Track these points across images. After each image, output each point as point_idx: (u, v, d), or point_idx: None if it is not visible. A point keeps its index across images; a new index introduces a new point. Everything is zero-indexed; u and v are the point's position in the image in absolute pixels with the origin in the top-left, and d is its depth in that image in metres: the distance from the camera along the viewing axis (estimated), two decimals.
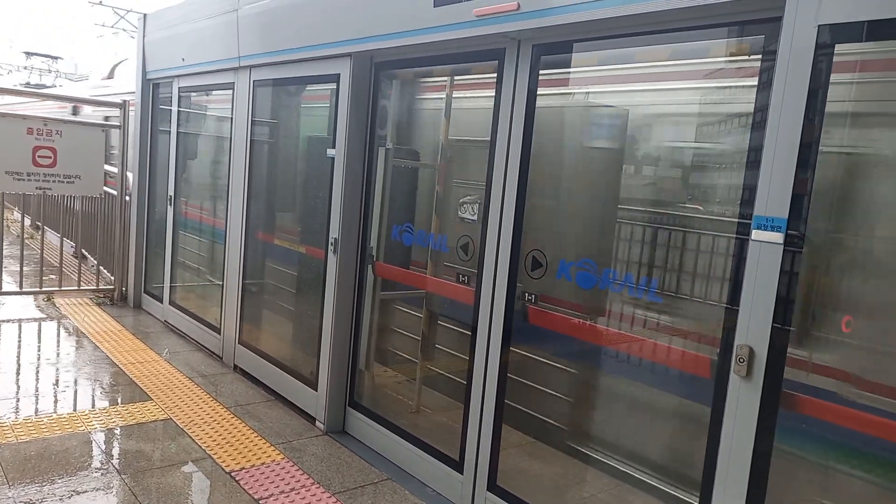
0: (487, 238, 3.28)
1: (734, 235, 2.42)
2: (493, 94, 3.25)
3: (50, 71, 32.20)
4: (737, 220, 2.41)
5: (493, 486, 3.28)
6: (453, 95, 3.99)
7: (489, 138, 3.26)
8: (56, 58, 32.80)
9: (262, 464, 3.77)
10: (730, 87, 2.78)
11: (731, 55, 2.62)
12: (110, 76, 16.61)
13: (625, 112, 3.23)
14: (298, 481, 3.60)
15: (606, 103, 3.33)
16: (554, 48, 3.00)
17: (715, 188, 2.91)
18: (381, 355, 4.59)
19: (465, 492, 3.41)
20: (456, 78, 3.96)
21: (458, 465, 3.46)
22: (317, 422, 4.38)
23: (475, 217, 3.49)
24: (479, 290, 3.34)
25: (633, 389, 3.10)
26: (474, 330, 3.37)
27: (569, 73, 3.17)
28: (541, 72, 3.06)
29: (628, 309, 2.95)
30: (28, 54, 32.76)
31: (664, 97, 3.13)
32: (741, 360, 2.24)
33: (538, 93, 3.05)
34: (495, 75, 3.24)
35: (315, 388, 4.41)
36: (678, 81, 3.02)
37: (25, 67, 33.58)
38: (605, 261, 3.05)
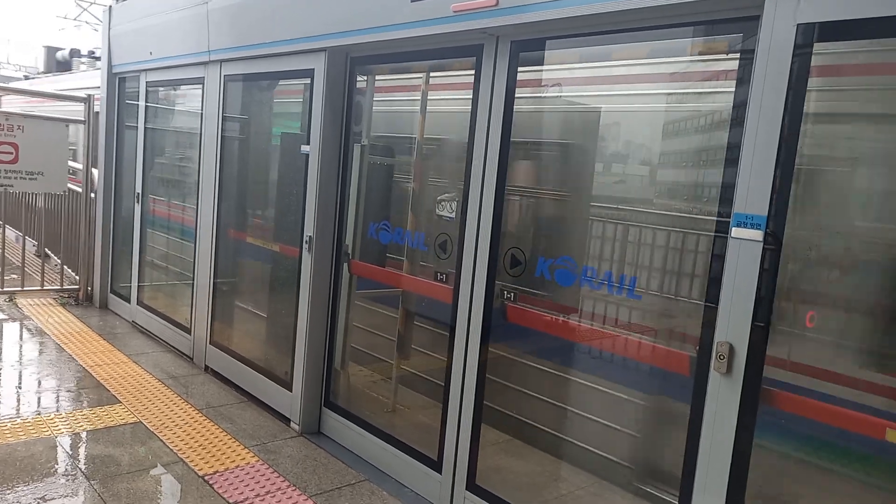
0: (466, 236, 3.25)
1: (713, 233, 2.44)
2: (471, 91, 3.22)
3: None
4: (716, 217, 2.43)
5: (472, 486, 3.26)
6: (429, 93, 3.95)
7: (467, 135, 3.23)
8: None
9: (237, 466, 3.70)
10: (706, 84, 2.79)
11: (709, 54, 2.63)
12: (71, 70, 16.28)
13: (600, 110, 3.24)
14: (274, 484, 3.54)
15: (582, 101, 3.32)
16: (532, 45, 2.98)
17: (694, 186, 2.93)
18: (356, 355, 4.53)
19: (444, 492, 3.38)
20: (433, 74, 3.92)
21: (436, 465, 3.44)
22: (291, 423, 4.31)
23: (453, 215, 3.47)
24: (457, 288, 3.32)
25: (613, 387, 3.10)
26: (452, 328, 3.34)
27: (548, 69, 3.15)
28: (519, 69, 3.04)
29: (607, 307, 2.95)
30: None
31: (642, 95, 3.14)
32: (721, 357, 2.25)
33: (516, 90, 3.04)
34: (473, 72, 3.22)
35: (290, 388, 4.34)
36: (656, 80, 3.03)
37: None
38: (583, 258, 3.05)
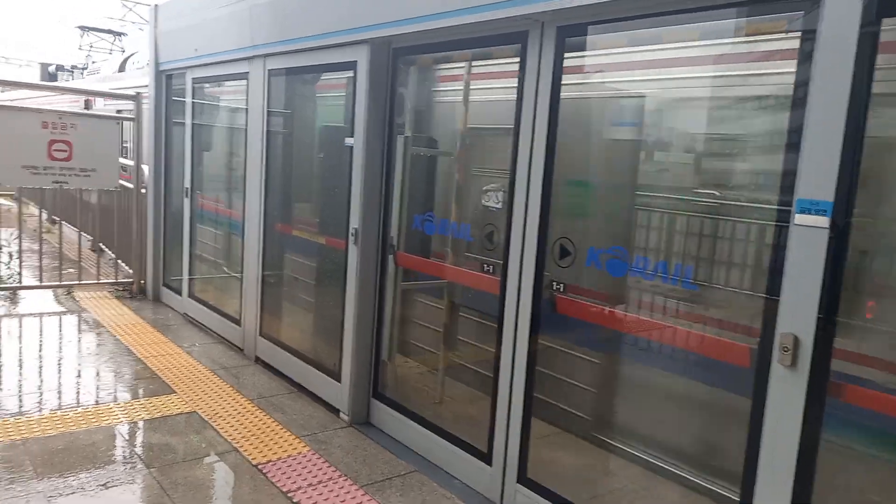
0: (513, 226, 3.22)
1: (774, 222, 2.34)
2: (515, 79, 3.17)
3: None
4: (776, 205, 2.33)
5: (522, 478, 3.24)
6: (473, 82, 3.91)
7: (512, 125, 3.19)
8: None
9: (289, 456, 3.76)
10: (764, 65, 2.68)
11: (767, 33, 2.53)
12: (121, 69, 16.74)
13: (649, 96, 3.15)
14: (325, 474, 3.59)
15: (633, 87, 3.23)
16: (579, 30, 2.91)
17: (752, 173, 2.83)
18: (403, 346, 4.55)
19: (494, 484, 3.37)
20: (475, 63, 3.88)
21: (486, 457, 3.43)
22: (341, 413, 4.36)
23: (500, 205, 3.43)
24: (504, 279, 3.29)
25: (666, 380, 3.04)
26: (500, 320, 3.31)
27: (595, 54, 3.07)
28: (565, 55, 2.97)
29: (661, 298, 2.89)
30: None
31: (693, 79, 3.04)
32: (785, 350, 2.17)
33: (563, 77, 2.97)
34: (517, 59, 3.17)
35: (338, 379, 4.39)
36: (708, 62, 2.93)
37: (29, 63, 31.50)
38: (636, 248, 2.98)
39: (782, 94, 2.35)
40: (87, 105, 12.47)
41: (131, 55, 17.27)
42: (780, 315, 2.20)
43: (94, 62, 25.40)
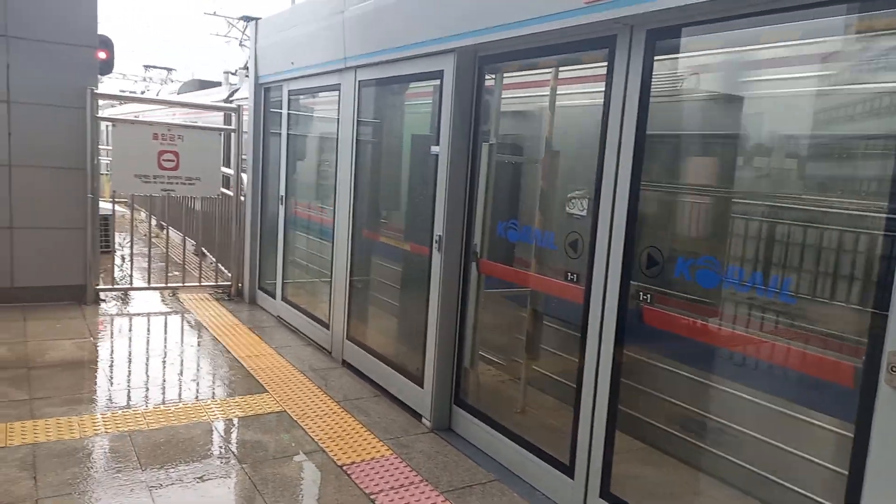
0: (598, 235, 3.15)
1: (882, 231, 2.17)
2: (602, 84, 3.11)
3: (164, 82, 35.38)
4: (885, 214, 2.17)
5: (605, 493, 3.15)
6: (558, 88, 3.87)
7: (599, 130, 3.13)
8: (171, 69, 36.35)
9: (372, 458, 3.83)
10: (873, 64, 2.50)
11: (880, 30, 2.35)
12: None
13: (745, 98, 3.00)
14: (407, 478, 3.63)
15: (724, 89, 3.10)
16: (670, 32, 2.82)
17: (855, 179, 2.64)
18: (485, 353, 4.54)
19: (576, 497, 3.30)
20: (562, 69, 3.83)
21: (568, 470, 3.36)
22: (423, 418, 4.41)
23: (584, 212, 3.37)
24: (589, 288, 3.22)
25: (759, 397, 2.87)
26: (584, 330, 3.25)
27: (688, 57, 2.97)
28: (655, 58, 2.89)
29: (755, 311, 2.74)
30: (146, 67, 36.85)
31: (794, 80, 2.87)
32: (894, 369, 2.00)
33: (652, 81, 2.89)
34: (604, 64, 3.11)
35: (421, 384, 4.44)
36: (810, 62, 2.76)
37: (144, 79, 37.22)
38: (728, 258, 2.84)
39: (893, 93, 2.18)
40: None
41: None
42: (889, 332, 2.03)
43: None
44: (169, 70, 37.00)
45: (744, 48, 2.85)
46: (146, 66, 37.44)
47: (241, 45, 30.60)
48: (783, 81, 2.85)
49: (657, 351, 3.25)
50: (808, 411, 2.75)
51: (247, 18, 27.82)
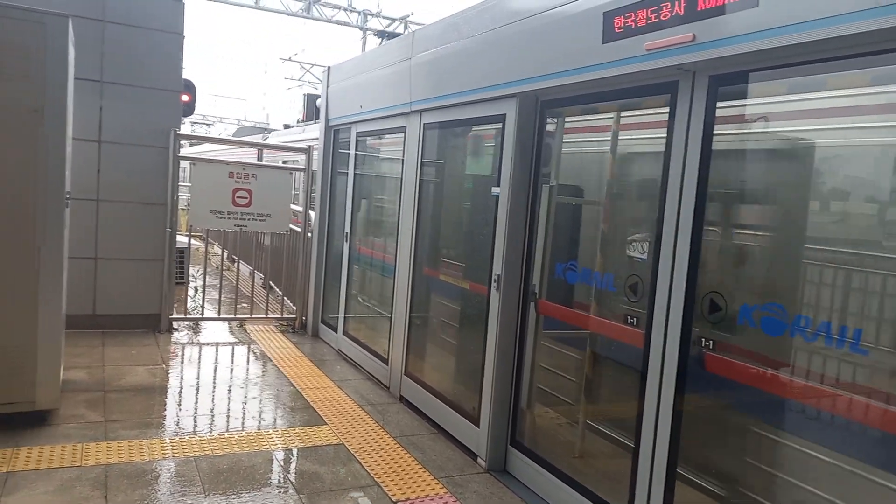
0: (659, 278, 3.12)
1: None
2: (664, 129, 3.12)
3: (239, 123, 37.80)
4: None
5: None
6: (620, 132, 3.89)
7: (660, 175, 3.13)
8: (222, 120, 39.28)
9: (426, 496, 3.84)
10: None
11: None
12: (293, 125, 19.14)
13: (814, 144, 2.95)
14: None
15: (792, 135, 3.05)
16: (733, 78, 2.82)
17: None
18: (542, 395, 4.51)
19: None
20: (623, 113, 3.86)
21: None
22: (478, 458, 4.39)
23: (645, 255, 3.35)
24: (648, 332, 3.18)
25: (829, 454, 2.74)
26: (644, 375, 3.20)
27: (752, 103, 2.96)
28: (717, 104, 2.89)
29: (823, 361, 2.64)
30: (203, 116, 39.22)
31: (865, 128, 2.81)
32: None
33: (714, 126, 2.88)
34: (665, 109, 3.13)
35: (477, 423, 4.43)
36: (882, 110, 2.70)
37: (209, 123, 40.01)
38: (796, 305, 2.77)
39: None
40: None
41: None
42: None
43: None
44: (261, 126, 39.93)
45: (812, 95, 2.81)
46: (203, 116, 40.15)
47: (314, 88, 32.40)
48: (852, 129, 2.80)
49: (720, 399, 3.16)
50: (879, 471, 2.61)
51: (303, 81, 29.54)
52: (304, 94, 19.80)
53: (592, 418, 4.09)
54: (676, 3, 2.84)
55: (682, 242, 3.00)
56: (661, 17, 2.92)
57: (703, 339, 2.98)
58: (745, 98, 2.91)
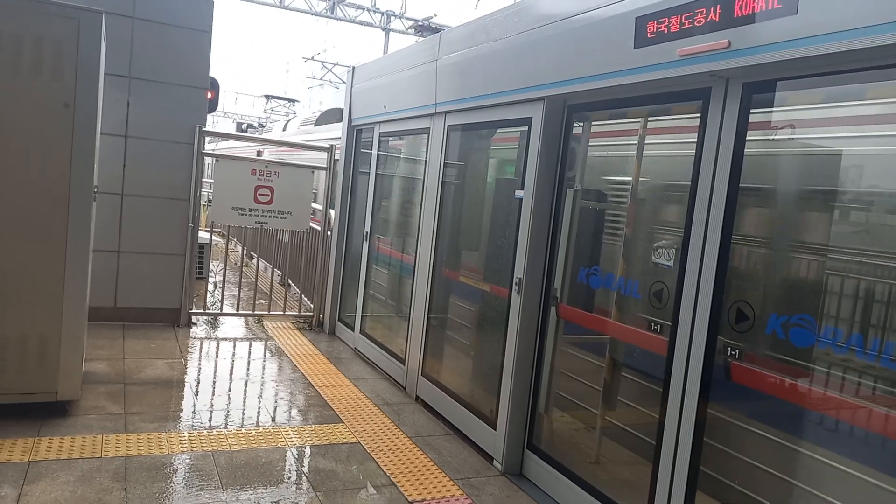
0: (685, 286, 3.10)
1: None
2: (695, 135, 3.10)
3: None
4: None
5: None
6: (647, 137, 3.87)
7: (689, 181, 3.10)
8: (293, 100, 35.93)
9: (442, 497, 3.83)
10: None
11: None
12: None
13: (851, 154, 2.91)
14: None
15: (828, 144, 3.02)
16: (767, 86, 2.79)
17: None
18: (560, 400, 4.48)
19: None
20: (651, 118, 3.84)
21: None
22: (494, 461, 4.37)
23: (671, 262, 3.32)
24: (673, 340, 3.16)
25: (854, 467, 2.70)
26: (667, 383, 3.17)
27: (785, 111, 2.92)
28: (751, 111, 2.86)
29: (855, 374, 2.60)
30: (268, 97, 36.87)
31: None
32: None
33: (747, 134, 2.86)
34: (698, 115, 3.10)
35: (494, 426, 4.42)
36: None
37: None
38: (826, 317, 2.73)
39: None
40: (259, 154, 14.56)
41: (291, 118, 20.65)
42: None
43: (270, 122, 32.85)
44: (291, 101, 37.16)
45: (848, 103, 2.78)
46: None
47: (335, 88, 31.94)
48: (887, 138, 2.76)
49: (745, 410, 3.12)
50: None
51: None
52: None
53: (610, 424, 4.06)
54: (712, 9, 2.82)
55: (710, 251, 2.98)
56: (696, 23, 2.90)
57: (730, 349, 2.95)
58: (779, 106, 2.88)
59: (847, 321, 2.69)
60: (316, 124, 15.60)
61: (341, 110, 8.41)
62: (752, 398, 3.01)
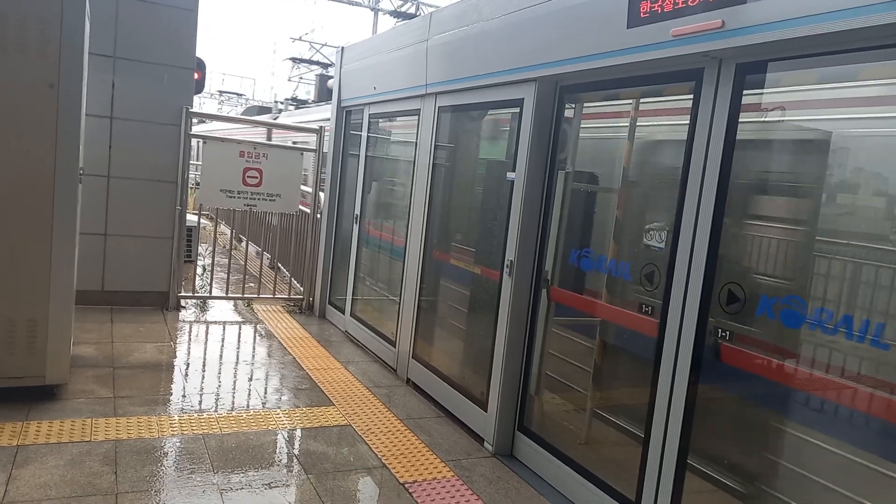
0: (676, 268, 3.10)
1: None
2: (685, 116, 3.08)
3: (238, 104, 37.65)
4: None
5: None
6: (638, 118, 3.85)
7: (681, 163, 3.09)
8: (242, 95, 38.89)
9: (433, 478, 3.85)
10: None
11: None
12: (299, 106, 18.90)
13: (843, 136, 2.90)
14: (468, 501, 3.63)
15: (819, 126, 3.01)
16: (762, 67, 2.78)
17: None
18: (550, 382, 4.50)
19: None
20: (643, 100, 3.82)
21: None
22: (485, 442, 4.39)
23: (662, 244, 3.32)
24: (664, 321, 3.17)
25: (846, 448, 2.73)
26: (657, 364, 3.19)
27: (779, 92, 2.91)
28: (744, 92, 2.85)
29: (843, 356, 2.62)
30: (221, 92, 39.56)
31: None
32: None
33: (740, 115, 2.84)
34: (690, 97, 3.08)
35: (485, 408, 4.43)
36: None
37: (290, 78, 32.54)
38: (816, 298, 2.74)
39: None
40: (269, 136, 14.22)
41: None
42: None
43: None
44: (240, 95, 39.74)
45: (843, 84, 2.77)
46: (221, 92, 40.50)
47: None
48: (881, 120, 2.75)
49: (735, 391, 3.14)
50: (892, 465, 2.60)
51: (294, 60, 28.18)
52: (317, 75, 19.56)
53: (600, 406, 4.09)
54: None
55: (702, 233, 2.98)
56: (689, 3, 2.87)
57: (720, 330, 2.96)
58: (774, 87, 2.87)
59: (837, 303, 2.70)
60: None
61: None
62: (741, 379, 3.03)
